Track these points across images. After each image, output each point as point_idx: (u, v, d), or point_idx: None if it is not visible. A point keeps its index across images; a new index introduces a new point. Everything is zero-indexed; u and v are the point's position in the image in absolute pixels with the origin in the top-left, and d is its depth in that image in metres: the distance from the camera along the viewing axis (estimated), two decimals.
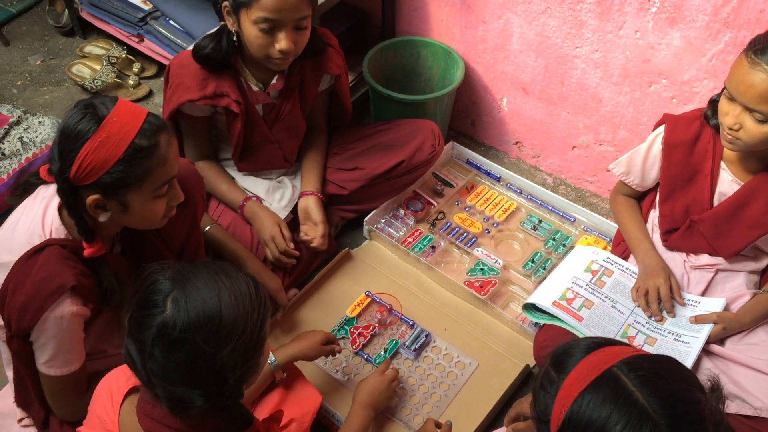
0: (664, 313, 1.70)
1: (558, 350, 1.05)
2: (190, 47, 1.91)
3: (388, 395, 1.71)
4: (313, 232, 1.97)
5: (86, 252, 1.37)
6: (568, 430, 0.96)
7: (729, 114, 1.51)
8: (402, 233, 2.17)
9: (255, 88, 1.86)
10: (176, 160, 1.40)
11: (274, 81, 1.86)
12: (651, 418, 0.91)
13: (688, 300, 1.72)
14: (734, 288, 1.74)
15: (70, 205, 1.34)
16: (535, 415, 1.05)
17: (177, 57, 1.86)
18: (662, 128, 1.74)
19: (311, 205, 2.00)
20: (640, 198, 1.92)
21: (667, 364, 1.00)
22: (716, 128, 1.64)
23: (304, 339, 1.68)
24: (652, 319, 1.71)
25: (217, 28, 1.80)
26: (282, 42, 1.69)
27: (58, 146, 1.30)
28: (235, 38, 1.75)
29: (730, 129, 1.51)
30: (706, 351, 1.64)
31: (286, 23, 1.67)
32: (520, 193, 2.28)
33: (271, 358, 1.57)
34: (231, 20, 1.71)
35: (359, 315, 1.99)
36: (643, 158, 1.79)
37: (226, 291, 1.08)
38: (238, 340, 1.07)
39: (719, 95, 1.61)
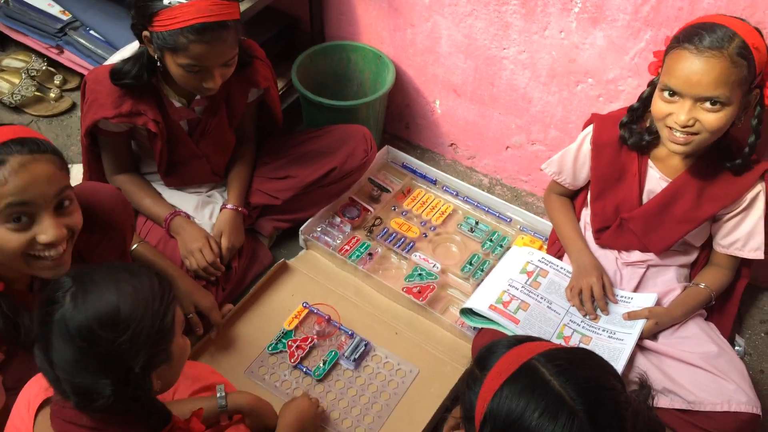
0: (599, 311, 1.71)
1: (482, 350, 1.06)
2: (109, 60, 1.85)
3: (315, 424, 1.67)
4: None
5: None
6: (488, 422, 0.97)
7: (677, 113, 1.46)
8: (339, 241, 2.13)
9: (177, 104, 1.80)
10: (32, 188, 1.21)
11: (198, 97, 1.81)
12: (568, 404, 0.93)
13: (621, 297, 1.74)
14: (665, 282, 1.77)
15: None
16: (462, 414, 1.07)
17: (93, 71, 1.79)
18: (591, 128, 1.75)
19: (221, 219, 1.96)
20: (573, 196, 1.93)
21: (584, 354, 1.03)
22: (636, 147, 1.65)
23: (266, 403, 1.60)
24: (587, 317, 1.71)
25: (136, 50, 1.72)
26: (210, 82, 1.66)
27: None
28: (158, 64, 1.68)
29: (685, 127, 1.46)
30: (639, 346, 1.65)
31: (213, 67, 1.64)
32: (456, 195, 2.28)
33: (221, 400, 1.50)
34: (152, 48, 1.64)
35: (297, 327, 1.94)
36: (573, 158, 1.80)
37: (125, 283, 1.10)
38: (137, 327, 1.07)
39: (628, 116, 1.63)
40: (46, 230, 1.24)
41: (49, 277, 1.30)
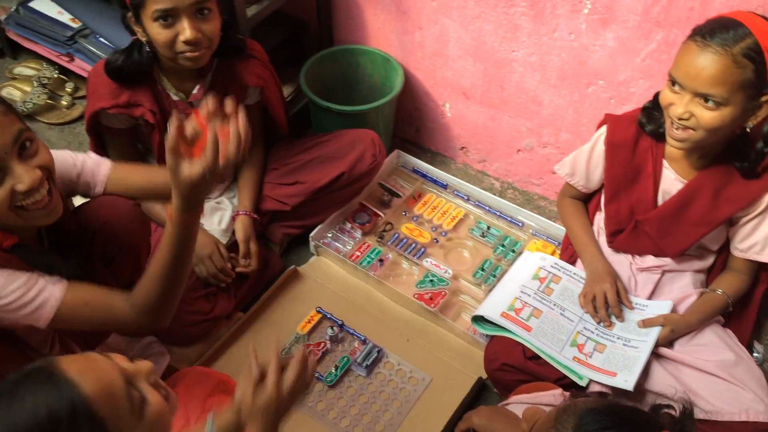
0: (613, 318, 1.68)
1: (588, 421, 0.95)
2: None
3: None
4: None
5: None
6: None
7: (676, 104, 1.46)
8: (349, 247, 2.12)
9: (175, 98, 1.80)
10: None
11: (195, 91, 1.80)
12: None
13: (636, 303, 1.70)
14: (681, 288, 1.73)
15: None
16: None
17: (95, 66, 1.81)
18: (604, 128, 1.72)
19: (242, 225, 1.95)
20: (587, 200, 1.90)
21: None
22: (654, 134, 1.62)
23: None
24: (601, 325, 1.68)
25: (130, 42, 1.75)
26: (186, 32, 1.60)
27: None
28: (148, 48, 1.69)
29: (680, 119, 1.46)
30: (655, 354, 1.62)
31: (183, 11, 1.59)
32: (468, 199, 2.25)
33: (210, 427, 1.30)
34: (139, 30, 1.65)
35: (311, 332, 1.93)
36: (587, 159, 1.77)
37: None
38: None
39: (651, 102, 1.60)
40: (21, 177, 1.19)
41: (47, 223, 1.28)
